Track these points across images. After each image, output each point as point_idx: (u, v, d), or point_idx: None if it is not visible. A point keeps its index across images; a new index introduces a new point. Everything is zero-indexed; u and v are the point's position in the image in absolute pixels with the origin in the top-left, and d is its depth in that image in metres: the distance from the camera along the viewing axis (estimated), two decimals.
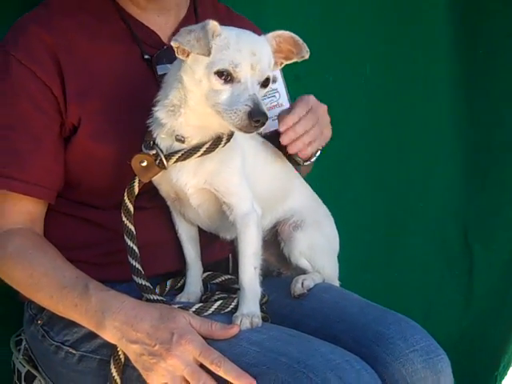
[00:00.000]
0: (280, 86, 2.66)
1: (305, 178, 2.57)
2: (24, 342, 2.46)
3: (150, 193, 2.28)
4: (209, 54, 1.94)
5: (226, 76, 1.97)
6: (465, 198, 3.58)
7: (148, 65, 2.35)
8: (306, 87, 3.18)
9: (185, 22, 2.47)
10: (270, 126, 2.64)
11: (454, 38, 3.48)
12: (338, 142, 3.28)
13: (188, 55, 2.02)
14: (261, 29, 2.72)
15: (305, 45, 2.10)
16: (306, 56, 2.11)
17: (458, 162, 3.56)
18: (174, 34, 2.38)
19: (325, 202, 2.56)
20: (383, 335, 2.10)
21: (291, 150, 2.30)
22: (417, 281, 3.57)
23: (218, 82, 1.97)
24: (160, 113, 2.11)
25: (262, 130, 1.98)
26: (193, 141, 2.10)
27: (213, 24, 1.98)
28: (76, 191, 2.34)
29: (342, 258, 2.54)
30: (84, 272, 2.18)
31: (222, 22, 2.57)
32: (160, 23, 2.44)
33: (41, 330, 2.34)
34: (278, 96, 2.67)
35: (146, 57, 2.35)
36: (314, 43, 3.19)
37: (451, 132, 3.55)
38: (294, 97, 2.73)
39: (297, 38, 2.10)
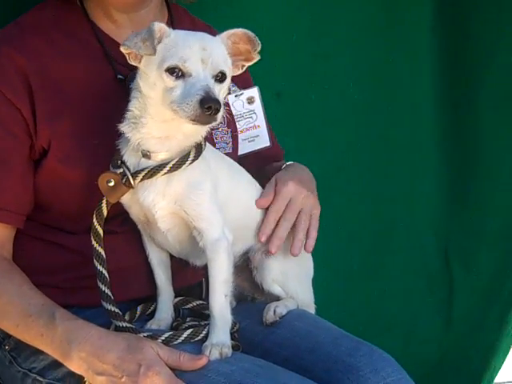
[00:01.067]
0: (257, 107, 2.64)
1: None
2: None
3: (121, 217, 2.24)
4: (154, 53, 1.94)
5: (177, 72, 1.95)
6: (446, 219, 3.56)
7: (121, 85, 2.31)
8: (287, 105, 3.20)
9: None
10: (247, 148, 2.64)
11: (438, 58, 3.46)
12: (319, 162, 3.30)
13: (140, 60, 2.02)
14: None
15: (256, 38, 2.07)
16: (258, 48, 2.08)
17: (441, 182, 3.54)
18: None
19: None
20: (354, 368, 2.07)
21: (295, 252, 2.34)
22: (397, 301, 3.54)
23: (169, 79, 1.96)
24: (124, 127, 2.09)
25: (218, 119, 1.95)
26: (159, 156, 2.06)
27: (159, 25, 1.98)
28: (46, 214, 2.30)
29: (320, 278, 2.52)
30: (52, 297, 2.14)
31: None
32: None
33: (8, 356, 2.30)
34: (255, 117, 2.64)
35: (120, 77, 2.31)
36: (296, 61, 3.23)
37: (434, 151, 3.53)
38: (274, 115, 2.72)
39: (249, 33, 2.07)
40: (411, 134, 3.52)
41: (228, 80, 2.05)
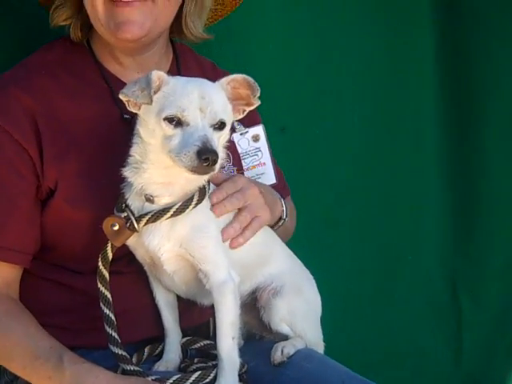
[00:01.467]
0: (263, 144, 2.64)
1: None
2: None
3: (128, 257, 2.24)
4: (151, 103, 1.95)
5: (176, 121, 1.95)
6: (453, 252, 3.56)
7: (128, 125, 2.31)
8: (292, 140, 3.21)
9: None
10: None
11: (441, 91, 3.48)
12: (324, 196, 3.30)
13: (139, 107, 2.02)
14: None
15: (256, 84, 2.07)
16: (258, 94, 2.08)
17: (447, 215, 3.54)
18: None
19: (311, 254, 2.52)
20: None
21: (223, 237, 2.18)
22: (406, 335, 3.52)
23: (168, 128, 1.96)
24: (127, 172, 2.09)
25: (216, 170, 1.95)
26: (162, 200, 2.06)
27: (157, 74, 1.99)
28: (52, 254, 2.30)
29: (327, 313, 2.50)
30: (60, 338, 2.13)
31: (207, 77, 2.57)
32: None
33: None
34: (261, 155, 2.64)
35: (126, 117, 2.31)
36: (300, 96, 3.24)
37: (439, 184, 3.54)
38: (279, 149, 2.72)
39: (248, 78, 2.08)
40: (416, 166, 3.52)
41: (227, 127, 2.05)
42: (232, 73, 2.65)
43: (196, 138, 1.92)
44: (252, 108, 2.13)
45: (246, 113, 2.14)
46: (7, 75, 2.31)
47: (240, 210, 2.23)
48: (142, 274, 2.29)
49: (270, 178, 2.65)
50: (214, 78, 2.56)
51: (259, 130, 2.63)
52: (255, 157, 2.62)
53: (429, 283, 3.58)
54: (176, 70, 2.52)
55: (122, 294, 2.24)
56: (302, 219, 2.62)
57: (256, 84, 2.07)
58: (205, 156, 1.89)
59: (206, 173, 1.97)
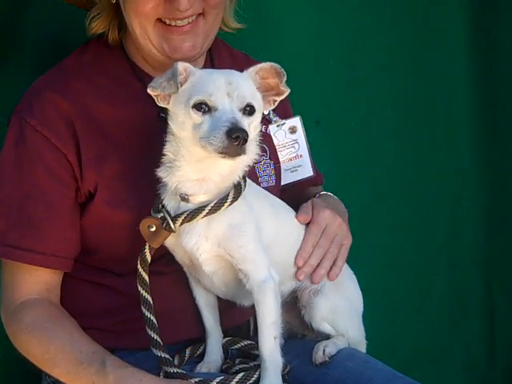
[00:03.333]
0: (299, 136, 2.61)
1: None
2: None
3: (167, 257, 2.23)
4: (177, 90, 1.95)
5: (204, 108, 1.95)
6: (487, 247, 3.53)
7: (165, 124, 2.28)
8: (327, 132, 3.17)
9: None
10: (289, 178, 2.61)
11: (474, 78, 3.44)
12: (359, 189, 3.26)
13: (169, 101, 2.02)
14: None
15: (282, 69, 2.05)
16: (284, 79, 2.05)
17: (481, 210, 3.51)
18: None
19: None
20: None
21: (315, 280, 2.29)
22: (441, 331, 3.50)
23: (197, 116, 1.95)
24: (161, 172, 2.08)
25: (247, 151, 1.93)
26: (197, 198, 2.05)
27: (183, 65, 1.98)
28: (92, 257, 2.30)
29: (365, 309, 2.48)
30: (101, 340, 2.14)
31: (241, 69, 2.53)
32: None
33: None
34: (298, 147, 2.61)
35: (162, 115, 2.27)
36: (335, 87, 3.20)
37: (475, 176, 3.50)
38: (315, 143, 2.69)
39: (275, 65, 2.06)
40: (451, 160, 3.49)
41: (258, 114, 2.03)
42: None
43: (225, 120, 1.91)
44: (282, 97, 2.11)
45: (277, 103, 2.11)
46: (43, 79, 2.29)
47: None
48: (182, 274, 2.29)
49: (307, 170, 2.62)
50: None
51: (296, 121, 2.60)
52: (292, 149, 2.59)
53: (463, 278, 3.55)
54: (210, 65, 2.49)
55: (163, 295, 2.23)
56: None
57: (282, 70, 2.05)
58: (234, 134, 1.88)
59: (237, 154, 1.92)
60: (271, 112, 2.57)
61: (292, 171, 2.61)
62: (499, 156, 3.46)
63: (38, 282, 2.21)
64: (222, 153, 1.91)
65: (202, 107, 1.94)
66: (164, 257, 2.21)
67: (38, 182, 2.19)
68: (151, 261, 2.15)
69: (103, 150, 2.21)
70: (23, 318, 2.16)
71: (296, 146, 2.61)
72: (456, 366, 3.45)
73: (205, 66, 2.46)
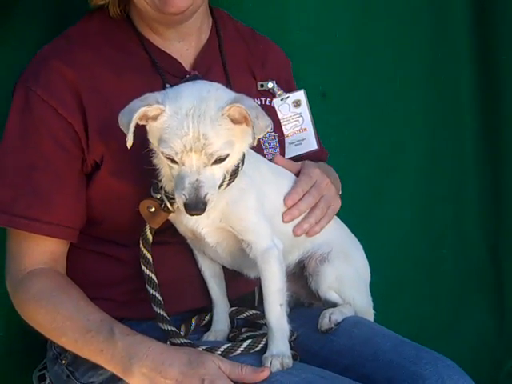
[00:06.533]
0: (304, 110, 2.60)
1: None
2: (48, 380, 2.43)
3: (173, 228, 2.22)
4: (128, 141, 1.92)
5: (171, 159, 1.92)
6: (495, 218, 3.50)
7: None
8: (333, 104, 3.15)
9: (207, 47, 2.43)
10: (293, 151, 2.61)
11: (481, 51, 3.41)
12: (366, 163, 3.25)
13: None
14: (284, 45, 2.68)
15: (248, 111, 1.90)
16: (253, 123, 1.90)
17: (488, 181, 3.49)
18: (196, 60, 2.39)
19: (355, 223, 2.49)
20: (419, 376, 2.03)
21: (297, 232, 2.25)
22: (449, 303, 3.49)
23: (167, 161, 1.94)
24: (156, 159, 2.07)
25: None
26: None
27: (148, 109, 1.91)
28: (98, 228, 2.29)
29: (372, 281, 2.49)
30: (108, 311, 2.13)
31: (246, 44, 2.50)
32: (181, 50, 2.39)
33: (65, 371, 2.30)
34: (302, 120, 2.61)
35: (168, 86, 2.28)
36: (341, 59, 3.17)
37: (481, 149, 3.48)
38: (320, 116, 2.68)
39: (241, 108, 1.90)
40: (458, 133, 3.46)
41: (236, 150, 1.97)
42: (271, 38, 2.65)
43: (186, 186, 1.89)
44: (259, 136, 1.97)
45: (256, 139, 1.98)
46: (48, 48, 2.28)
47: (317, 202, 2.26)
48: (188, 244, 2.28)
49: (311, 144, 2.61)
50: (254, 46, 2.56)
51: (300, 95, 2.59)
52: (296, 122, 2.59)
53: (471, 251, 3.54)
54: (216, 36, 2.48)
55: (168, 265, 2.24)
56: (343, 186, 2.58)
57: (249, 112, 1.90)
58: (190, 212, 1.90)
59: (199, 214, 1.93)
60: (275, 85, 2.56)
61: (296, 145, 2.61)
62: (505, 127, 3.43)
63: (44, 252, 2.20)
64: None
65: (169, 157, 1.93)
66: (170, 228, 2.21)
67: (44, 152, 2.18)
68: (157, 231, 2.16)
69: (108, 120, 2.18)
70: (30, 287, 2.16)
71: (300, 119, 2.61)
72: (463, 341, 3.43)
73: (210, 38, 2.46)
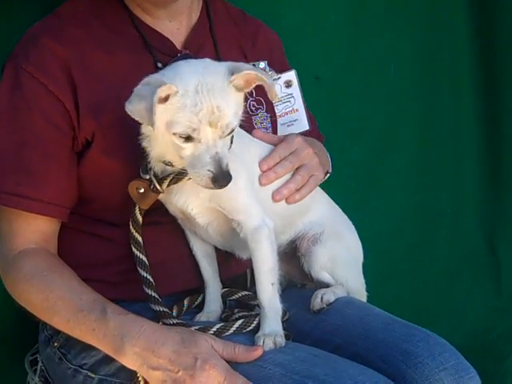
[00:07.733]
0: (295, 90, 2.60)
1: (327, 184, 2.50)
2: (40, 364, 2.42)
3: (164, 207, 2.22)
4: (153, 126, 1.88)
5: (185, 137, 1.91)
6: (491, 206, 3.50)
7: None
8: (327, 88, 3.14)
9: (198, 26, 2.42)
10: (286, 132, 2.59)
11: (477, 36, 3.40)
12: (360, 148, 3.24)
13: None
14: (276, 29, 2.66)
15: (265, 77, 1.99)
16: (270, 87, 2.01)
17: (484, 169, 3.48)
18: (187, 39, 2.37)
19: (349, 208, 2.49)
20: (411, 353, 2.04)
21: (275, 197, 2.22)
22: (443, 292, 3.48)
23: (179, 142, 1.92)
24: (144, 142, 2.06)
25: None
26: (181, 165, 2.02)
27: (162, 90, 1.87)
28: (89, 207, 2.28)
29: (364, 269, 2.48)
30: (100, 291, 2.12)
31: (236, 24, 2.48)
32: (172, 29, 2.38)
33: (57, 353, 2.29)
34: (293, 101, 2.61)
35: (159, 65, 2.28)
36: (335, 42, 3.16)
37: (480, 139, 3.48)
38: (313, 99, 2.67)
39: (260, 75, 1.97)
40: (453, 120, 3.46)
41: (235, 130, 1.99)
42: (264, 21, 2.63)
43: (207, 161, 1.89)
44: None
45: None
46: (38, 26, 2.27)
47: (297, 169, 2.24)
48: (179, 224, 2.28)
49: (303, 124, 2.61)
50: (244, 28, 2.55)
51: (292, 75, 2.58)
52: (288, 103, 2.58)
53: (467, 239, 3.53)
54: (206, 17, 2.47)
55: (160, 245, 2.24)
56: (336, 171, 2.57)
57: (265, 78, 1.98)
58: (220, 183, 1.89)
59: (224, 186, 1.93)
60: (267, 66, 2.55)
61: (288, 125, 2.60)
62: (503, 113, 3.42)
63: (35, 231, 2.19)
64: (204, 187, 1.92)
65: (183, 136, 1.91)
66: (161, 207, 2.21)
67: (34, 129, 2.16)
68: (148, 211, 2.16)
69: (99, 98, 2.19)
70: (21, 266, 2.14)
71: (292, 100, 2.60)
72: (457, 328, 3.43)
73: (201, 18, 2.45)
